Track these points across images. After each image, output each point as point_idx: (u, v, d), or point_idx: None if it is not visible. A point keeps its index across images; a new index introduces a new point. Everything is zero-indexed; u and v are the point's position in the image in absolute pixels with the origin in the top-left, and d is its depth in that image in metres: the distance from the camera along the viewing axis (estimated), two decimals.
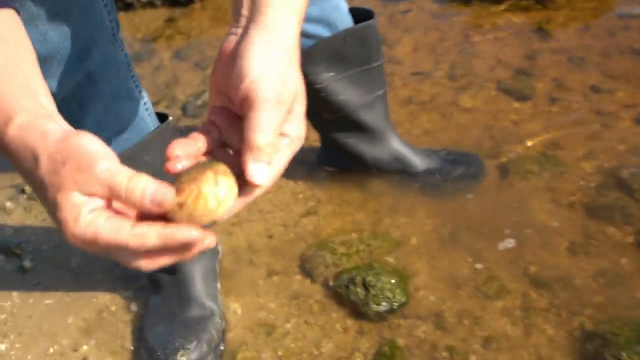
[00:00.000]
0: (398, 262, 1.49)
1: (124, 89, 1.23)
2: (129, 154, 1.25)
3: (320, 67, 1.47)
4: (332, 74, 1.49)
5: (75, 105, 1.19)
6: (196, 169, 0.69)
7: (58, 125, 0.70)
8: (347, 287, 1.44)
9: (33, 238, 1.76)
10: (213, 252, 1.51)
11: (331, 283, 1.48)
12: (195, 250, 0.67)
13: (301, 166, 1.77)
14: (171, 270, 1.47)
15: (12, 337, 1.51)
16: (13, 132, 0.69)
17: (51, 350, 1.47)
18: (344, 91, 1.53)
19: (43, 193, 0.69)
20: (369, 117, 1.59)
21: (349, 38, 1.45)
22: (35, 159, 0.68)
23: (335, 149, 1.69)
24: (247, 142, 0.70)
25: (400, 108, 1.94)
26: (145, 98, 1.30)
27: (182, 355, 1.35)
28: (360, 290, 1.42)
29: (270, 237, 1.63)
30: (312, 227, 1.62)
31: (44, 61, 1.07)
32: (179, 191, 0.67)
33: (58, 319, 1.54)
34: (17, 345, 1.49)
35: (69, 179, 0.66)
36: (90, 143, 0.68)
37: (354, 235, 1.57)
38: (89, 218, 0.65)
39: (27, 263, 1.67)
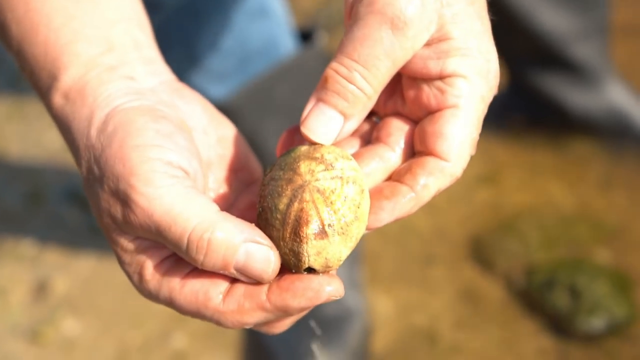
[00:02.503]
0: (617, 260, 1.36)
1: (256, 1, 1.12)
2: (253, 86, 1.15)
3: None
4: None
5: (189, 20, 1.08)
6: (287, 159, 0.53)
7: (121, 86, 0.55)
8: (544, 289, 1.32)
9: None
10: None
11: (519, 281, 1.36)
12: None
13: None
14: None
15: (85, 316, 1.46)
16: (56, 102, 0.56)
17: (134, 336, 1.42)
18: (548, 12, 1.39)
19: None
20: (581, 51, 1.44)
21: None
22: (77, 155, 0.55)
23: (526, 92, 1.54)
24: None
25: (616, 41, 1.75)
26: (283, 15, 1.18)
27: None
28: (564, 297, 1.30)
29: (432, 211, 1.50)
30: (490, 200, 1.50)
31: None
32: (263, 214, 0.52)
33: (142, 297, 1.46)
34: (91, 327, 1.44)
35: (105, 212, 0.52)
36: (138, 137, 0.52)
37: (552, 216, 1.44)
38: (158, 275, 0.53)
39: None
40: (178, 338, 1.39)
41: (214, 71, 1.13)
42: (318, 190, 0.50)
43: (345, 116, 0.53)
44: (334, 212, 0.50)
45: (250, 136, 1.20)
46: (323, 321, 1.31)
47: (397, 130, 0.55)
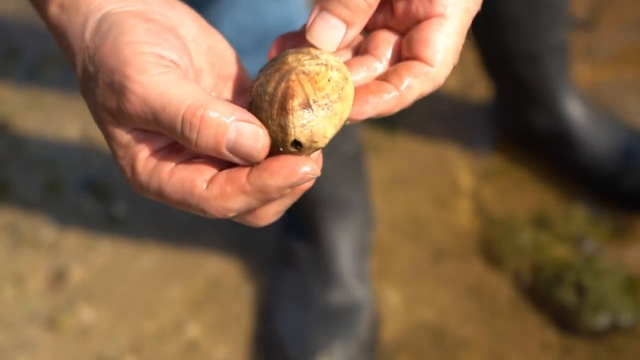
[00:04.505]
0: (625, 258, 1.37)
1: None
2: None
3: None
4: None
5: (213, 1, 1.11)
6: (277, 57, 0.56)
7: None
8: (551, 286, 1.33)
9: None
10: (366, 221, 1.41)
11: (527, 277, 1.37)
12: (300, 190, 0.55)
13: (483, 110, 1.63)
14: (309, 237, 1.38)
15: (100, 304, 1.48)
16: (52, 12, 0.57)
17: (149, 326, 1.44)
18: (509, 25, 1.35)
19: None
20: (530, 74, 1.41)
21: None
22: (72, 59, 0.57)
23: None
24: None
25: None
26: None
27: (323, 357, 1.29)
28: (570, 294, 1.31)
29: (442, 206, 1.52)
30: (497, 196, 1.51)
31: None
32: (255, 100, 0.54)
33: (157, 287, 1.50)
34: (106, 316, 1.46)
35: (100, 106, 0.54)
36: (130, 34, 0.54)
37: (560, 213, 1.45)
38: (149, 167, 0.54)
39: (118, 209, 1.63)
40: (191, 328, 1.42)
41: (233, 47, 1.16)
42: (304, 72, 0.53)
43: (348, 24, 0.55)
44: (319, 89, 0.53)
45: None
46: (331, 312, 1.33)
47: (385, 42, 0.58)
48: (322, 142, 0.53)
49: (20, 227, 1.63)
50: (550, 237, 1.41)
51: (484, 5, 1.40)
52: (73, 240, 1.59)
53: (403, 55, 0.57)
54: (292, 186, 0.52)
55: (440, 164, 1.59)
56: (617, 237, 1.40)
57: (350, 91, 0.54)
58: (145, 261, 1.55)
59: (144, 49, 0.53)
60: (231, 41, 1.17)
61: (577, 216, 1.44)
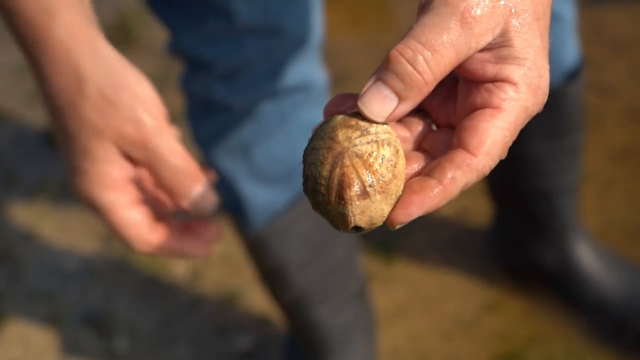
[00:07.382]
0: None
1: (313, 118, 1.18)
2: (284, 222, 1.20)
3: None
4: None
5: (250, 123, 1.16)
6: (326, 128, 0.57)
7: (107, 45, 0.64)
8: None
9: (128, 311, 1.74)
10: (370, 357, 1.44)
11: None
12: None
13: (480, 236, 1.68)
14: None
15: None
16: (58, 31, 0.61)
17: None
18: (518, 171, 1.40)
19: (72, 139, 0.65)
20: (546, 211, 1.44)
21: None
22: (79, 84, 0.61)
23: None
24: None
25: (612, 162, 1.80)
26: None
27: None
28: None
29: (444, 337, 1.54)
30: (497, 328, 1.53)
31: (235, 71, 1.08)
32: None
33: None
34: None
35: (112, 132, 0.64)
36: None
37: (559, 346, 1.47)
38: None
39: (119, 345, 1.65)
40: None
41: (264, 174, 1.19)
42: (357, 155, 0.55)
43: (401, 98, 0.55)
44: (373, 173, 0.54)
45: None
46: None
47: (443, 144, 0.58)
48: (380, 222, 0.56)
49: None
50: None
51: None
52: None
53: (452, 144, 0.57)
54: None
55: (441, 294, 1.62)
56: None
57: (402, 165, 0.56)
58: None
59: None
60: (263, 168, 1.20)
61: (580, 350, 1.46)
